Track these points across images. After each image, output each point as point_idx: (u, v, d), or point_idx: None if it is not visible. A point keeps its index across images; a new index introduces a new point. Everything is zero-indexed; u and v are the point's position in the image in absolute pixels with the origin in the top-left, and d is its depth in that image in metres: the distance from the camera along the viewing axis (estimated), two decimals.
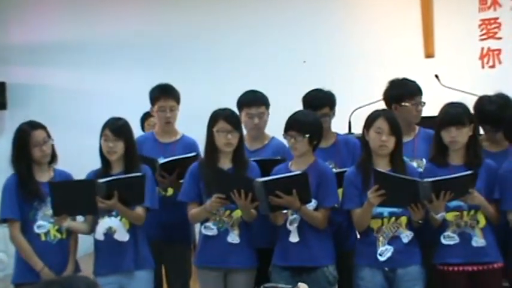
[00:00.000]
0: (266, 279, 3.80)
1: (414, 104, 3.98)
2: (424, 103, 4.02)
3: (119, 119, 3.87)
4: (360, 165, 3.68)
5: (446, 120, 3.60)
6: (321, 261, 3.71)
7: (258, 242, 3.86)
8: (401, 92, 3.99)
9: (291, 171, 3.70)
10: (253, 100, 4.15)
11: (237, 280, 3.81)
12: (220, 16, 6.84)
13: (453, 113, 3.61)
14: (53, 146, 3.86)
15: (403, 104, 3.96)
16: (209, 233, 3.81)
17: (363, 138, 3.70)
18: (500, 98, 3.86)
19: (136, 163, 3.80)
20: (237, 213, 3.78)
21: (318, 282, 3.67)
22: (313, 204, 3.70)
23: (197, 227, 4.17)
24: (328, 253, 3.73)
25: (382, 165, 3.61)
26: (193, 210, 3.83)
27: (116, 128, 3.79)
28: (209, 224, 3.81)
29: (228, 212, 3.79)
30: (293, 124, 3.70)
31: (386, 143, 3.60)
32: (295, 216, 3.71)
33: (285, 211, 3.71)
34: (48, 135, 3.84)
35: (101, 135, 3.81)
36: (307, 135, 3.67)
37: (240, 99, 4.20)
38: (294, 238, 3.71)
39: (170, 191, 4.19)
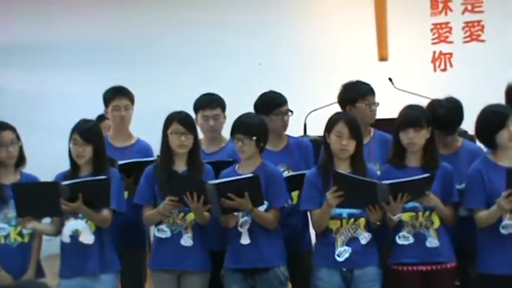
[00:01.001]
0: (218, 282, 3.82)
1: (367, 105, 4.02)
2: (378, 103, 4.07)
3: (88, 121, 3.85)
4: (321, 167, 3.71)
5: (405, 122, 3.64)
6: (272, 261, 3.72)
7: (212, 244, 3.85)
8: (354, 93, 4.04)
9: (238, 175, 3.72)
10: (209, 102, 4.17)
11: (191, 282, 3.80)
12: (178, 18, 6.81)
13: (412, 115, 3.65)
14: (21, 148, 3.82)
15: (356, 105, 4.00)
16: (163, 235, 3.80)
17: (324, 141, 3.74)
18: (451, 102, 3.92)
19: (105, 166, 3.78)
20: (191, 216, 3.78)
21: (270, 282, 3.70)
22: (264, 206, 3.71)
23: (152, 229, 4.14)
24: (279, 254, 3.75)
25: (343, 168, 3.65)
26: (147, 213, 3.83)
27: (85, 131, 3.76)
28: (163, 226, 3.80)
29: (181, 214, 3.78)
30: (239, 127, 3.73)
31: (347, 147, 3.63)
32: (245, 218, 3.73)
33: (236, 213, 3.72)
34: (18, 137, 3.79)
35: (70, 139, 3.77)
36: (254, 138, 3.69)
37: (196, 102, 4.22)
38: (245, 240, 3.72)
39: (125, 195, 4.12)
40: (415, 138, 3.62)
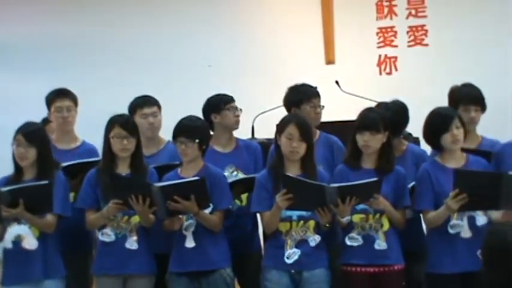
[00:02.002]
0: (163, 285, 3.80)
1: (312, 107, 4.06)
2: (323, 106, 4.10)
3: (33, 123, 3.78)
4: (272, 169, 3.72)
5: (362, 124, 3.67)
6: (217, 264, 3.73)
7: (157, 247, 3.82)
8: (299, 96, 4.07)
9: (181, 178, 3.71)
10: (145, 100, 4.21)
11: (136, 286, 3.76)
12: (124, 19, 6.73)
13: (369, 118, 3.68)
14: None
15: (301, 107, 4.03)
16: (107, 239, 3.76)
17: (275, 143, 3.74)
18: (396, 104, 3.99)
19: (50, 170, 3.70)
20: (135, 219, 3.75)
21: (215, 285, 3.72)
22: (208, 208, 3.70)
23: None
24: (224, 256, 3.76)
25: (294, 170, 3.66)
26: (90, 217, 3.79)
27: (29, 133, 3.68)
28: (107, 230, 3.77)
29: (126, 217, 3.76)
30: (182, 130, 3.73)
31: (297, 149, 3.64)
32: (190, 221, 3.72)
33: (180, 216, 3.70)
34: None
35: (14, 140, 3.69)
36: (197, 141, 3.69)
37: (131, 103, 4.24)
38: (189, 243, 3.71)
39: (72, 197, 4.07)
40: (371, 141, 3.65)
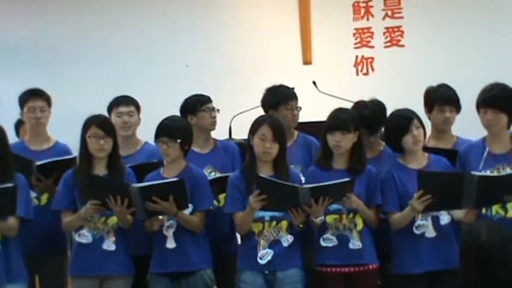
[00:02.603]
0: (144, 287, 3.80)
1: (290, 109, 4.06)
2: (300, 108, 4.11)
3: None
4: (244, 170, 3.72)
5: (333, 124, 3.69)
6: (198, 265, 3.73)
7: (136, 248, 3.81)
8: (277, 98, 4.08)
9: (163, 178, 3.70)
10: (122, 100, 4.21)
11: None
12: (100, 17, 6.68)
13: (340, 119, 3.70)
14: None
15: (278, 109, 4.04)
16: (84, 240, 3.74)
17: (248, 144, 3.75)
18: (375, 103, 4.02)
19: (9, 172, 3.62)
20: (113, 220, 3.73)
21: (195, 286, 3.72)
22: (189, 209, 3.70)
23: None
24: (205, 257, 3.75)
25: (266, 171, 3.66)
26: (67, 218, 3.76)
27: None
28: (84, 231, 3.75)
29: (103, 218, 3.74)
30: (164, 130, 3.73)
31: (270, 150, 3.65)
32: (171, 222, 3.72)
33: (161, 217, 3.70)
34: None
35: None
36: (179, 141, 3.69)
37: (109, 103, 4.24)
38: (170, 244, 3.71)
39: (44, 200, 4.07)
40: (342, 142, 3.67)
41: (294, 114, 4.08)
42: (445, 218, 3.64)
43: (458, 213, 3.60)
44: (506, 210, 3.58)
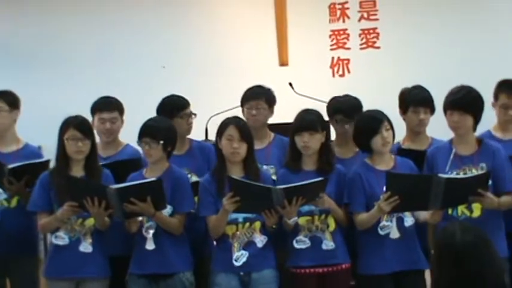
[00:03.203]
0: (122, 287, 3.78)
1: (249, 108, 4.10)
2: (264, 108, 4.10)
3: None
4: (215, 173, 3.72)
5: (300, 125, 3.71)
6: (177, 267, 3.71)
7: (114, 249, 3.80)
8: (242, 98, 4.14)
9: (145, 179, 3.69)
10: (106, 105, 4.16)
11: None
12: (75, 18, 6.63)
13: (307, 119, 3.72)
14: None
15: (243, 109, 4.11)
16: (60, 242, 3.72)
17: (216, 146, 3.75)
18: (353, 98, 4.08)
19: None
20: (90, 222, 3.72)
21: None
22: (168, 210, 3.70)
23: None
24: (184, 259, 3.75)
25: (236, 172, 3.66)
26: (43, 220, 3.73)
27: None
28: (60, 233, 3.73)
29: (80, 220, 3.72)
30: (147, 131, 3.71)
31: (238, 150, 3.65)
32: (151, 223, 3.71)
33: (140, 218, 3.69)
34: None
35: None
36: (161, 142, 3.68)
37: (93, 104, 4.19)
38: (150, 245, 3.70)
39: (14, 203, 4.03)
40: (310, 142, 3.69)
41: (253, 114, 4.07)
42: (409, 220, 3.68)
43: (424, 214, 3.64)
44: (471, 211, 3.63)
